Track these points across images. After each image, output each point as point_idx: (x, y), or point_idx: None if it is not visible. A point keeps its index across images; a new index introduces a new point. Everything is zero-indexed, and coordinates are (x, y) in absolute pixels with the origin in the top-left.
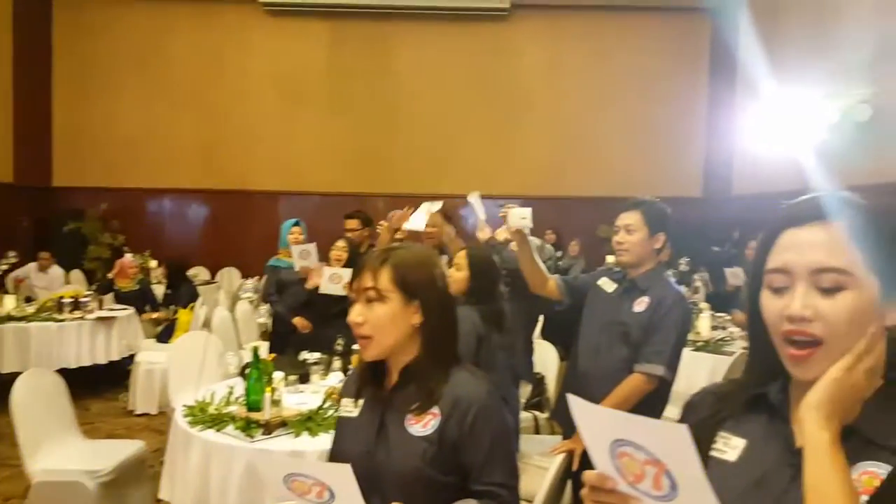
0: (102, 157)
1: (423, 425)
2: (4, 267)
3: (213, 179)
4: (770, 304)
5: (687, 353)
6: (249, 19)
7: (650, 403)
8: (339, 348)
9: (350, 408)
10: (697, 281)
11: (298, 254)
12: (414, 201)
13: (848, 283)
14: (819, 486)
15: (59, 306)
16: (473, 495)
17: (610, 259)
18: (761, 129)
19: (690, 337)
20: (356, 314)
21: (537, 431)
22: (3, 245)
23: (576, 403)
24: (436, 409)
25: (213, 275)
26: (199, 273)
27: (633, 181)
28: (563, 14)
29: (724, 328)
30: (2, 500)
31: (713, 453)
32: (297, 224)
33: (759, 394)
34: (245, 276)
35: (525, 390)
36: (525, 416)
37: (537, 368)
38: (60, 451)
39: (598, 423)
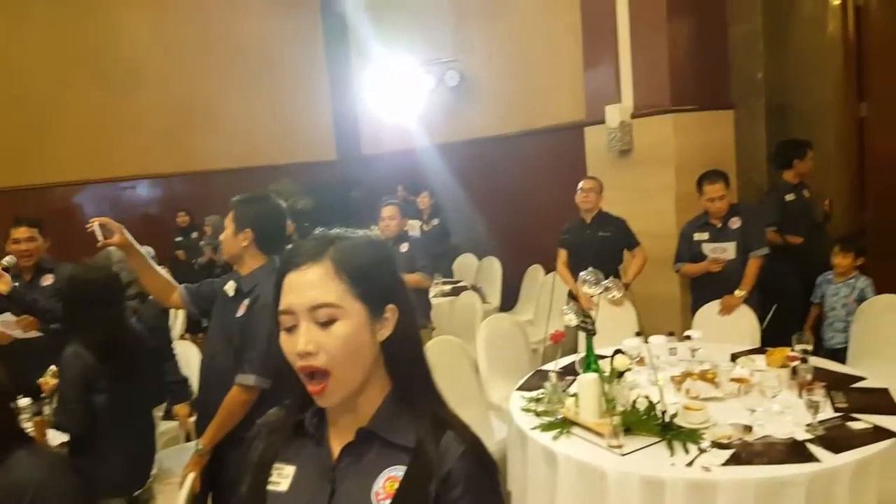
0: None
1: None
2: None
3: None
4: (285, 343)
5: None
6: None
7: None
8: None
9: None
10: None
11: None
12: None
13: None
14: None
15: None
16: None
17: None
18: (376, 94)
19: None
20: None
21: None
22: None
23: None
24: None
25: None
26: None
27: (269, 150)
28: None
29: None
30: None
31: (269, 487)
32: None
33: (300, 420)
34: None
35: None
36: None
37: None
38: None
39: None
